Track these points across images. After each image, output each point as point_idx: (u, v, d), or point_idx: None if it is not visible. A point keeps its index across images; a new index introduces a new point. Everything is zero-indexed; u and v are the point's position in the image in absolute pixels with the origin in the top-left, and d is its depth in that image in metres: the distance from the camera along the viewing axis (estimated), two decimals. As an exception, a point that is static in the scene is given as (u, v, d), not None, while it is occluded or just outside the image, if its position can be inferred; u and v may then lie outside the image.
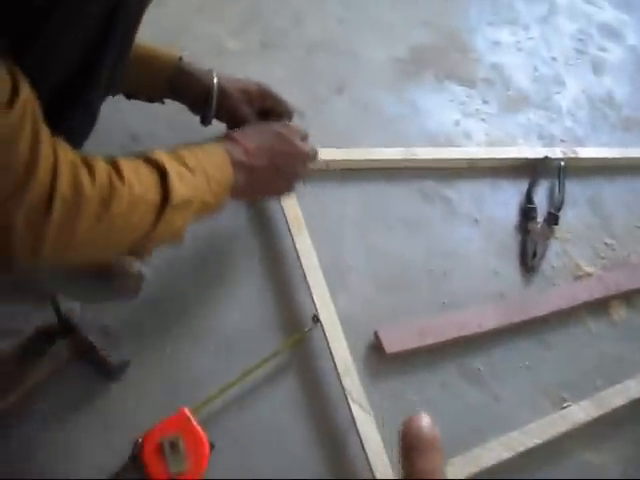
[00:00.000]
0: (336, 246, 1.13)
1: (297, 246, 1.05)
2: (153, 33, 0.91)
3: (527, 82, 1.55)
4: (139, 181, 0.76)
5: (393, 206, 1.22)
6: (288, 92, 1.32)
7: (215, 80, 1.10)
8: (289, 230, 1.08)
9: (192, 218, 0.85)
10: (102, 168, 0.73)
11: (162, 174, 0.79)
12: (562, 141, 1.41)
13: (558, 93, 1.54)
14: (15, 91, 0.64)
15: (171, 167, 0.80)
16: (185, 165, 0.83)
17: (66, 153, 0.69)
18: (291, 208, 1.10)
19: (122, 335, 0.98)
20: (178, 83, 1.09)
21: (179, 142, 1.20)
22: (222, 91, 1.11)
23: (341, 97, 1.40)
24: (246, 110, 1.13)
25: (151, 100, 1.12)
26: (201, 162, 0.86)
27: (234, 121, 1.16)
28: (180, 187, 0.80)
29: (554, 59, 1.63)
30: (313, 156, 1.08)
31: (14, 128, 0.63)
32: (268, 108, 1.16)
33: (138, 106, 1.13)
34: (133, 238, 0.79)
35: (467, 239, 1.20)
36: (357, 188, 1.22)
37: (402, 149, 1.27)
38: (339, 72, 1.46)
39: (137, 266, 1.02)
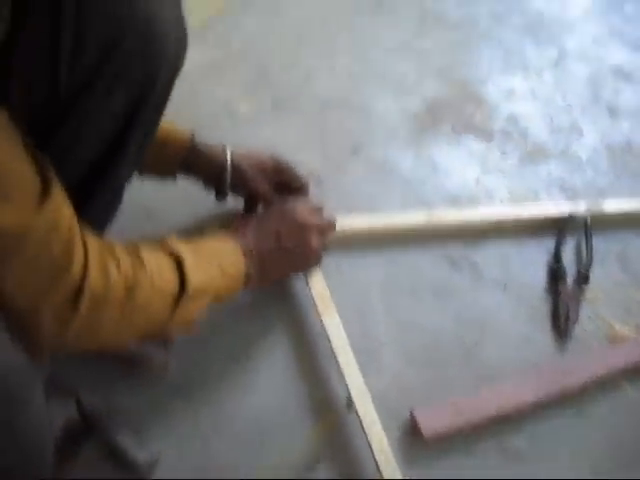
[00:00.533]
0: (364, 320, 1.11)
1: (325, 325, 1.02)
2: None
3: (544, 132, 1.52)
4: (159, 271, 0.78)
5: (419, 274, 1.19)
6: (303, 156, 1.31)
7: (229, 156, 1.10)
8: (316, 308, 1.04)
9: (206, 308, 0.86)
10: (126, 258, 0.74)
11: (179, 263, 0.81)
12: (585, 193, 1.38)
13: (577, 142, 1.51)
14: (46, 190, 0.64)
15: (187, 257, 0.82)
16: (200, 255, 0.86)
17: (94, 245, 0.70)
18: (316, 284, 1.08)
19: (150, 427, 0.95)
20: (191, 162, 1.10)
21: (194, 217, 1.21)
22: (236, 167, 1.11)
23: (357, 158, 1.38)
24: (261, 185, 1.13)
25: (163, 178, 1.11)
26: (215, 253, 0.89)
27: (249, 196, 1.14)
28: (196, 277, 0.82)
29: (569, 106, 1.61)
30: (330, 228, 1.08)
31: (46, 229, 0.64)
32: (283, 181, 1.14)
33: (151, 180, 1.11)
34: (151, 326, 0.81)
35: (497, 305, 1.16)
36: (381, 256, 1.20)
37: (425, 213, 1.24)
38: (353, 130, 1.44)
39: (162, 354, 0.99)
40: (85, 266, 0.68)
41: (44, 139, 0.74)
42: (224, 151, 1.11)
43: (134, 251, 0.77)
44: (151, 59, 0.76)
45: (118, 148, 0.82)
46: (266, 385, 1.01)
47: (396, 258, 1.20)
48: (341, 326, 1.02)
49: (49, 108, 0.74)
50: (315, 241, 1.03)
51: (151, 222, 1.21)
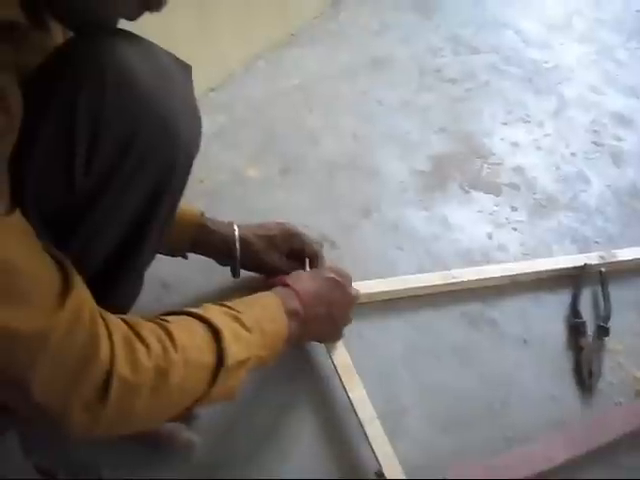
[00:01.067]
0: (388, 385, 1.10)
1: (351, 397, 1.01)
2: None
3: (552, 183, 1.53)
4: (193, 343, 0.76)
5: (439, 335, 1.19)
6: (314, 220, 1.32)
7: (236, 233, 1.11)
8: (340, 379, 1.04)
9: (247, 375, 0.83)
10: (155, 339, 0.72)
11: (216, 334, 0.78)
12: (596, 242, 1.39)
13: (584, 191, 1.52)
14: (66, 287, 0.65)
15: (225, 326, 0.79)
16: (240, 322, 0.82)
17: (119, 332, 0.69)
18: (340, 354, 1.07)
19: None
20: (201, 241, 1.11)
21: (211, 287, 1.21)
22: (244, 242, 1.12)
23: (369, 220, 1.39)
24: (272, 257, 1.14)
25: (173, 255, 1.11)
26: (257, 317, 0.85)
27: (261, 269, 1.15)
28: (235, 348, 0.79)
29: (573, 154, 1.63)
30: (356, 300, 1.09)
31: (68, 324, 0.64)
32: (296, 249, 1.15)
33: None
34: (188, 403, 0.78)
35: (519, 363, 1.16)
36: (400, 319, 1.20)
37: (441, 273, 1.25)
38: (363, 192, 1.45)
39: (186, 434, 0.98)
40: (112, 355, 0.67)
41: (65, 236, 0.75)
42: (231, 227, 1.12)
43: (164, 328, 0.75)
44: (167, 151, 0.77)
45: (140, 237, 0.83)
46: (294, 461, 1.00)
47: (415, 320, 1.20)
48: (367, 397, 1.02)
49: (68, 207, 0.74)
50: (351, 313, 1.06)
51: (168, 293, 1.21)
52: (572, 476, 1.01)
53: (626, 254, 1.34)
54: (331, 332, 1.06)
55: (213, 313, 0.81)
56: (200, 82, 1.66)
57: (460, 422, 1.07)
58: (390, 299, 1.21)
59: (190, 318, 0.79)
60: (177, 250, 1.11)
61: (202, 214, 1.11)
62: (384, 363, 1.13)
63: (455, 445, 1.03)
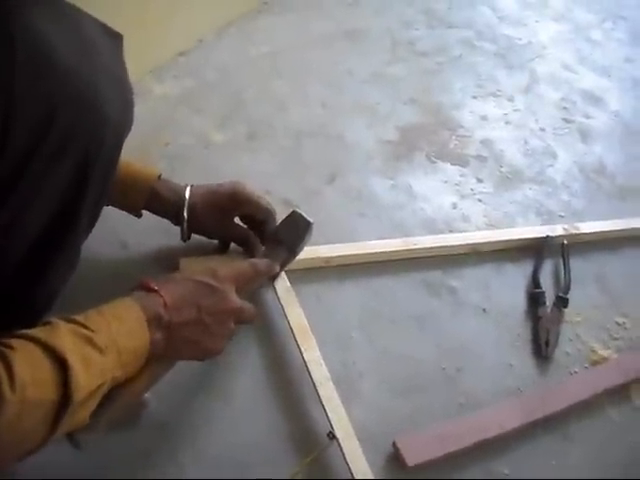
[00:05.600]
0: (344, 349, 1.09)
1: (306, 358, 1.00)
2: (136, 128, 0.86)
3: (519, 156, 1.53)
4: (34, 379, 0.64)
5: (398, 301, 1.18)
6: (278, 185, 1.31)
7: (186, 197, 1.10)
8: (295, 340, 1.03)
9: (99, 399, 0.73)
10: None
11: (63, 366, 0.66)
12: (561, 216, 1.39)
13: (551, 166, 1.52)
14: None
15: (74, 352, 0.68)
16: (93, 344, 0.71)
17: None
18: (295, 315, 1.06)
19: (129, 467, 0.92)
20: (153, 204, 1.10)
21: (167, 247, 1.19)
22: (192, 207, 1.10)
23: (333, 187, 1.37)
24: (218, 222, 1.12)
25: (128, 212, 1.10)
26: (112, 334, 0.74)
27: (208, 234, 1.14)
28: (85, 378, 0.68)
29: (542, 130, 1.62)
30: (249, 316, 0.95)
31: None
32: (247, 215, 1.13)
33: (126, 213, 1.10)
34: (27, 447, 0.67)
35: (477, 331, 1.16)
36: (359, 284, 1.19)
37: (402, 240, 1.24)
38: (329, 159, 1.44)
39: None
40: None
41: None
42: (184, 192, 1.10)
43: (5, 359, 0.63)
44: (91, 129, 0.72)
45: (70, 215, 0.79)
46: (247, 420, 0.99)
47: (374, 286, 1.19)
48: (322, 359, 1.01)
49: None
50: (232, 324, 0.91)
51: (126, 251, 1.19)
52: (524, 443, 1.01)
53: (589, 227, 1.34)
54: (207, 343, 0.89)
55: (62, 337, 0.68)
56: (169, 46, 1.66)
57: (414, 387, 1.06)
58: (349, 264, 1.20)
59: (36, 347, 0.66)
60: (131, 208, 1.10)
61: (159, 176, 1.09)
62: (341, 327, 1.12)
63: (408, 409, 1.03)
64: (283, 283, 1.11)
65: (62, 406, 0.65)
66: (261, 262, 1.01)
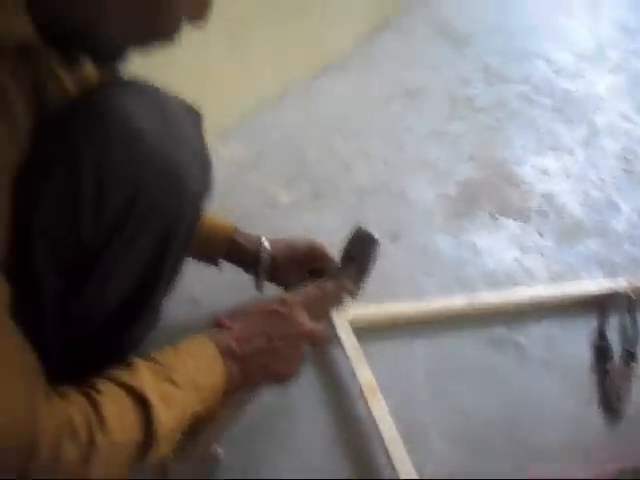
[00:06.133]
0: (411, 404, 1.11)
1: (374, 414, 1.03)
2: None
3: (580, 209, 1.55)
4: (121, 424, 0.70)
5: (464, 357, 1.20)
6: (341, 243, 1.34)
7: (263, 248, 1.16)
8: (364, 397, 1.06)
9: (180, 434, 0.78)
10: (82, 417, 0.67)
11: (145, 406, 0.72)
12: (624, 269, 1.39)
13: (613, 218, 1.53)
14: None
15: (154, 393, 0.73)
16: (172, 382, 0.76)
17: (49, 418, 0.65)
18: (363, 373, 1.09)
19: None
20: (232, 253, 1.16)
21: (238, 303, 1.23)
22: (271, 258, 1.16)
23: (397, 244, 1.41)
24: (293, 273, 1.17)
25: (206, 264, 1.17)
26: (190, 371, 0.79)
27: (283, 284, 1.19)
28: (167, 415, 0.74)
29: (603, 181, 1.64)
30: (323, 339, 0.99)
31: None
32: (319, 268, 1.18)
33: (197, 269, 1.15)
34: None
35: (544, 386, 1.16)
36: (425, 341, 1.22)
37: (467, 297, 1.26)
38: (391, 217, 1.48)
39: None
40: (33, 446, 0.63)
41: (78, 282, 0.77)
42: (260, 243, 1.16)
43: (95, 405, 0.69)
44: (174, 203, 0.79)
45: (151, 280, 0.85)
46: (314, 474, 1.02)
47: (440, 343, 1.22)
48: (389, 416, 1.03)
49: (79, 258, 0.76)
50: (304, 348, 0.94)
51: (196, 308, 1.24)
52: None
53: (655, 280, 1.34)
54: (280, 368, 0.92)
55: (142, 377, 0.74)
56: (235, 110, 1.74)
57: (482, 442, 1.07)
58: (415, 320, 1.23)
59: (120, 390, 0.72)
60: (211, 259, 1.16)
61: (235, 229, 1.16)
62: (408, 383, 1.14)
63: (476, 465, 1.04)
64: (351, 341, 1.14)
65: (146, 446, 0.71)
66: (328, 283, 1.06)
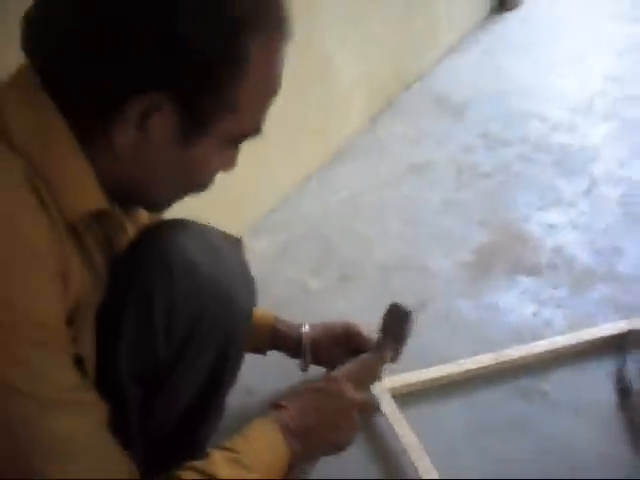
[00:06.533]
0: (453, 459, 1.21)
1: (420, 473, 1.14)
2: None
3: (589, 258, 1.67)
4: None
5: (497, 409, 1.31)
6: (373, 320, 1.47)
7: (304, 333, 1.29)
8: (409, 458, 1.17)
9: None
10: None
11: None
12: (636, 309, 1.50)
13: (620, 262, 1.64)
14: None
15: (228, 474, 0.84)
16: (243, 466, 0.87)
17: None
18: (407, 435, 1.21)
19: None
20: (277, 341, 1.29)
21: (289, 387, 1.36)
22: (312, 341, 1.29)
23: (423, 312, 1.53)
24: (334, 354, 1.29)
25: (255, 353, 1.29)
26: (257, 453, 0.90)
27: (326, 364, 1.31)
28: None
29: (607, 227, 1.76)
30: (369, 404, 1.13)
31: None
32: (357, 347, 1.30)
33: (248, 359, 1.25)
34: None
35: (573, 431, 1.26)
36: (459, 399, 1.33)
37: (492, 354, 1.38)
38: (415, 288, 1.61)
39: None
40: None
41: (150, 394, 0.93)
42: (301, 329, 1.30)
43: None
44: (229, 320, 0.96)
45: (217, 382, 1.01)
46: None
47: (473, 399, 1.33)
48: (435, 473, 1.15)
49: (154, 372, 0.92)
50: (355, 416, 1.05)
51: (251, 397, 1.37)
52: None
53: (667, 316, 1.44)
54: (335, 439, 1.04)
55: (217, 464, 0.85)
56: (259, 206, 1.90)
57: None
58: (448, 382, 1.35)
59: (200, 476, 0.83)
60: (259, 349, 1.29)
61: (276, 318, 1.29)
62: (448, 441, 1.25)
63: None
64: (391, 408, 1.26)
65: None
66: (368, 356, 1.20)
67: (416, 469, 1.16)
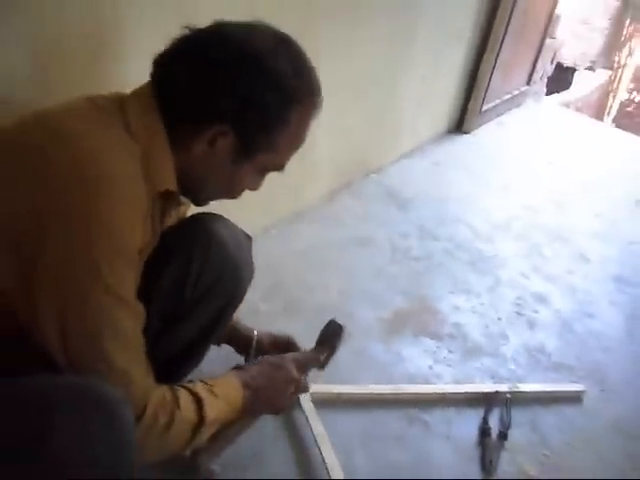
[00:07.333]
0: (349, 459, 1.57)
1: (323, 454, 1.51)
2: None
3: (480, 337, 2.09)
4: (187, 408, 1.11)
5: (386, 427, 1.69)
6: (306, 344, 1.83)
7: (255, 335, 1.64)
8: (316, 443, 1.53)
9: (215, 429, 1.19)
10: (169, 400, 1.08)
11: (199, 402, 1.14)
12: (508, 380, 1.92)
13: (504, 345, 2.08)
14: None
15: (205, 397, 1.14)
16: (214, 394, 1.17)
17: (154, 394, 1.07)
18: (317, 426, 1.57)
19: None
20: (232, 337, 1.63)
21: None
22: (258, 342, 1.64)
23: (344, 348, 1.91)
24: (273, 353, 1.58)
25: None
26: (224, 390, 1.21)
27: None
28: (211, 412, 1.15)
29: (499, 319, 2.20)
30: (303, 386, 1.44)
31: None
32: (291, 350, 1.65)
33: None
34: (177, 448, 1.16)
35: (441, 452, 1.65)
36: (360, 413, 1.70)
37: (391, 385, 1.77)
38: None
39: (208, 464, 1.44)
40: (144, 409, 1.04)
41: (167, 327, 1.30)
42: (252, 332, 1.65)
43: (175, 399, 1.10)
44: (236, 286, 1.38)
45: (208, 334, 1.39)
46: None
47: (370, 415, 1.70)
48: (336, 460, 1.51)
49: (174, 312, 1.29)
50: (292, 389, 1.37)
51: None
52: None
53: (526, 387, 1.87)
54: (277, 401, 1.36)
55: (198, 387, 1.16)
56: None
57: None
58: (353, 399, 1.73)
59: (188, 393, 1.13)
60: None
61: (236, 319, 1.63)
62: (346, 441, 1.61)
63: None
64: (309, 405, 1.63)
65: (198, 425, 1.15)
66: (309, 354, 1.55)
67: (322, 456, 1.51)
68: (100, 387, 0.94)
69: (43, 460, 0.85)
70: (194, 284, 1.28)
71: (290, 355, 1.47)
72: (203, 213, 1.35)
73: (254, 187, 1.22)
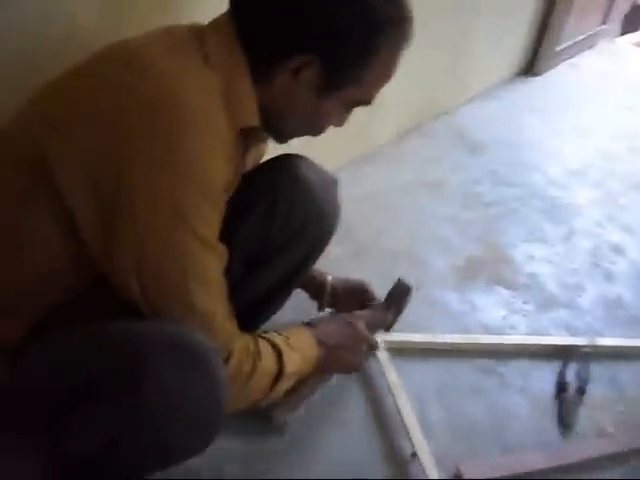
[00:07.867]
0: (423, 405, 1.56)
1: (398, 403, 1.48)
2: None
3: (556, 287, 2.03)
4: (268, 359, 1.14)
5: (461, 378, 1.66)
6: (376, 288, 1.80)
7: (329, 279, 1.61)
8: (391, 392, 1.51)
9: (292, 382, 1.23)
10: (253, 355, 1.11)
11: (279, 355, 1.17)
12: (583, 332, 1.86)
13: (580, 296, 2.01)
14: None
15: (284, 349, 1.18)
16: (291, 347, 1.20)
17: (238, 341, 1.10)
18: (392, 376, 1.55)
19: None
20: (305, 281, 1.58)
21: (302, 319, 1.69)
22: (333, 287, 1.61)
23: (416, 294, 1.87)
24: (346, 302, 1.61)
25: None
26: (300, 344, 1.24)
27: (338, 309, 1.63)
28: (289, 363, 1.17)
29: (576, 270, 2.13)
30: (373, 345, 1.47)
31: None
32: (364, 302, 1.62)
33: None
34: (258, 398, 1.17)
35: (517, 405, 1.62)
36: (435, 363, 1.68)
37: (465, 335, 1.73)
38: (413, 275, 1.92)
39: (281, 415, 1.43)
40: (229, 355, 1.06)
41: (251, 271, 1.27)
42: (326, 277, 1.62)
43: (257, 348, 1.13)
44: (323, 230, 1.35)
45: (294, 276, 1.37)
46: (349, 446, 1.45)
47: (445, 365, 1.68)
48: (410, 406, 1.49)
49: (258, 257, 1.27)
50: (362, 348, 1.40)
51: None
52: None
53: (606, 341, 1.81)
54: (350, 360, 1.39)
55: (278, 339, 1.19)
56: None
57: (472, 435, 1.52)
58: (427, 349, 1.70)
59: (267, 343, 1.16)
60: None
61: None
62: (421, 390, 1.59)
63: (467, 448, 1.49)
64: (384, 355, 1.60)
65: (277, 376, 1.16)
66: (378, 311, 1.54)
67: (397, 406, 1.49)
68: (189, 335, 0.92)
69: (134, 411, 0.84)
70: (280, 228, 1.24)
71: (359, 313, 1.45)
72: (287, 154, 1.30)
73: (339, 123, 1.16)
